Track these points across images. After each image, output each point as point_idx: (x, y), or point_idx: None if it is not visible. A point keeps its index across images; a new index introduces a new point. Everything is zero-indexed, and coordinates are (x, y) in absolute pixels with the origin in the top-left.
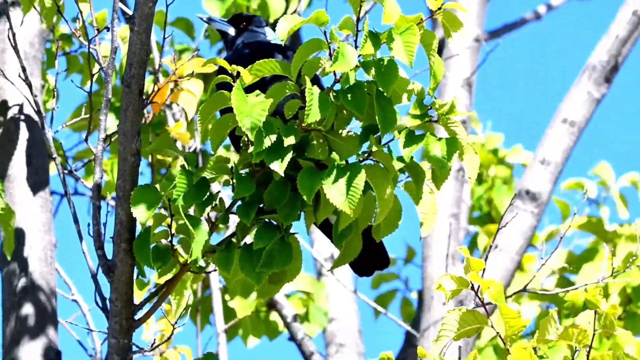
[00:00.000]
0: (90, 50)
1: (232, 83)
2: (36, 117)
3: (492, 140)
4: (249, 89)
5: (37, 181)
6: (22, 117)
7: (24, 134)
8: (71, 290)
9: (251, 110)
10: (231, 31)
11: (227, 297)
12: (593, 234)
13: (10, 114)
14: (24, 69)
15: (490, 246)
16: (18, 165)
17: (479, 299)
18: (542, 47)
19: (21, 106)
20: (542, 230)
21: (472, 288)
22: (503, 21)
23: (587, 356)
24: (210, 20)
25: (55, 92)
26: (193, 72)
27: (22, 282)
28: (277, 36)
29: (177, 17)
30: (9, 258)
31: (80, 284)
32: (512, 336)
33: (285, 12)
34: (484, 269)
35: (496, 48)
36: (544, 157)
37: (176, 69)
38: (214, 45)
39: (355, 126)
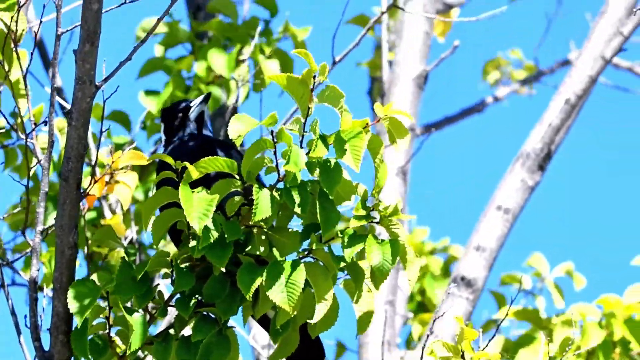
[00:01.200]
0: (28, 143)
1: (175, 179)
2: None
3: (417, 234)
4: (192, 184)
5: None
6: None
7: None
8: None
9: (198, 207)
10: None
11: None
12: (529, 323)
13: None
14: None
15: (428, 334)
16: None
17: None
18: (479, 136)
19: None
20: (478, 320)
21: (463, 357)
22: (443, 111)
23: None
24: (206, 99)
25: None
26: (129, 165)
27: None
28: (231, 137)
29: (113, 110)
30: None
31: None
32: None
33: (223, 105)
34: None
35: (431, 137)
36: (478, 244)
37: (112, 162)
38: (151, 137)
39: (297, 224)
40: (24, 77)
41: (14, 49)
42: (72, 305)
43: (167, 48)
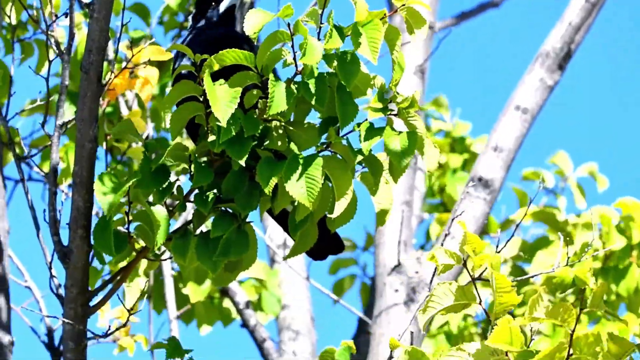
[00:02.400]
0: (49, 36)
1: (194, 72)
2: None
3: (459, 128)
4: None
5: None
6: None
7: None
8: (24, 276)
9: (223, 98)
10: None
11: (180, 284)
12: (545, 224)
13: None
14: None
15: (445, 234)
16: None
17: (469, 274)
18: (497, 34)
19: None
20: (497, 218)
21: (464, 263)
22: (459, 8)
23: (571, 336)
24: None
25: (10, 79)
26: (149, 59)
27: None
28: (247, 31)
29: (133, 2)
30: None
31: (34, 271)
32: (499, 313)
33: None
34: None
35: (449, 35)
36: (496, 144)
37: (132, 57)
38: (168, 33)
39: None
40: None
41: None
42: (101, 199)
43: None
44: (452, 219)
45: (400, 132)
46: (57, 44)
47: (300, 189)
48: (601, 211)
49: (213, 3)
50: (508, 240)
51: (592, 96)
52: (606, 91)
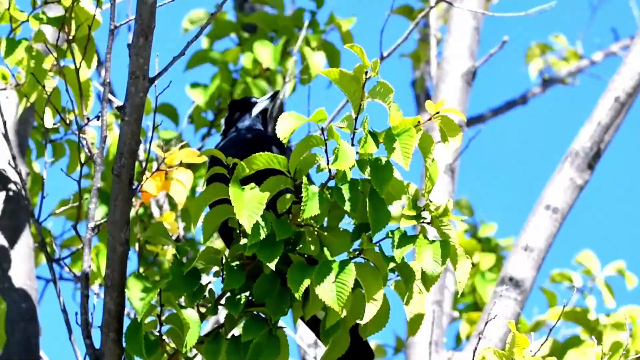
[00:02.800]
0: (80, 138)
1: (227, 175)
2: (23, 205)
3: (485, 229)
4: (243, 180)
5: (24, 269)
6: (10, 204)
7: (9, 221)
8: None
9: (248, 204)
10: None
11: None
12: (577, 324)
13: None
14: (14, 158)
15: (479, 337)
16: (3, 253)
17: None
18: (525, 131)
19: (9, 194)
20: (527, 319)
21: None
22: (489, 104)
23: None
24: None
25: (43, 181)
26: (182, 162)
27: None
28: (279, 135)
29: (161, 103)
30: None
31: None
32: None
33: None
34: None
35: (479, 134)
36: (527, 244)
37: (164, 159)
38: (198, 131)
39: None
40: (77, 72)
41: (68, 44)
42: (134, 302)
43: (213, 40)
44: (486, 322)
45: (433, 241)
46: (89, 145)
47: (330, 293)
48: (632, 311)
49: (241, 108)
50: (543, 343)
51: (619, 194)
52: (634, 189)
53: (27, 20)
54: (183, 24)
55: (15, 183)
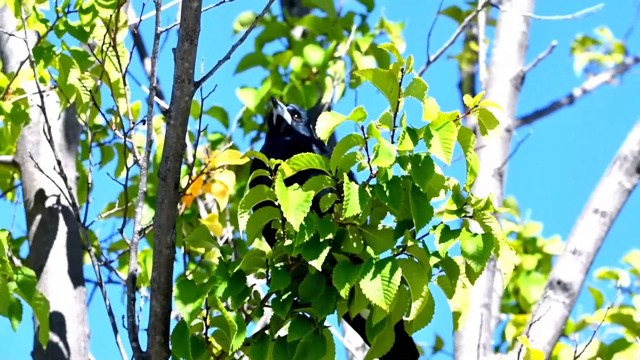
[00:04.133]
0: (127, 142)
1: (270, 177)
2: (70, 208)
3: (530, 229)
4: (285, 181)
5: (71, 272)
6: (57, 208)
7: (58, 225)
8: None
9: (295, 203)
10: (288, 119)
11: None
12: (622, 326)
13: (45, 205)
14: (59, 162)
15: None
16: (53, 256)
17: None
18: (573, 133)
19: (56, 198)
20: (574, 319)
21: None
22: (534, 106)
23: None
24: (274, 103)
25: (89, 185)
26: (225, 164)
27: None
28: (318, 134)
29: (211, 106)
30: (44, 347)
31: None
32: None
33: (319, 102)
34: None
35: (521, 131)
36: (575, 247)
37: (209, 161)
38: (247, 134)
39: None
40: (123, 76)
41: (114, 48)
42: (181, 307)
43: (263, 43)
44: (531, 324)
45: (476, 235)
46: (135, 149)
47: (376, 291)
48: None
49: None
50: (587, 345)
51: None
52: None
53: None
54: (233, 26)
55: (60, 188)
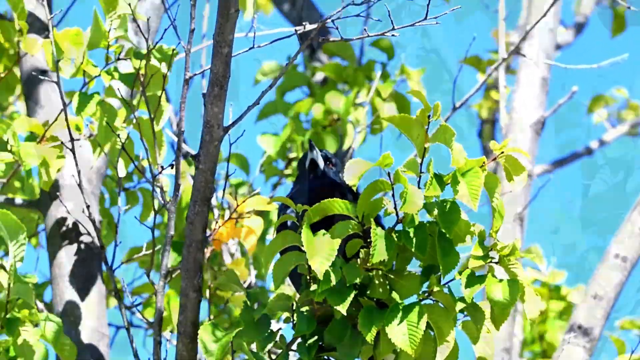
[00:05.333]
0: (155, 186)
1: (296, 222)
2: (95, 252)
3: (554, 276)
4: (312, 225)
5: (95, 315)
6: (82, 252)
7: (82, 269)
8: None
9: (321, 250)
10: (321, 164)
11: None
12: None
13: (69, 249)
14: (87, 206)
15: None
16: (76, 299)
17: None
18: (594, 180)
19: (80, 242)
20: None
21: None
22: (554, 152)
23: None
24: (311, 147)
25: (117, 228)
26: (252, 210)
27: None
28: (347, 181)
29: (232, 152)
30: None
31: None
32: None
33: (340, 148)
34: None
35: (548, 183)
36: (596, 292)
37: (237, 206)
38: (269, 180)
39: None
40: (152, 121)
41: (143, 93)
42: (205, 350)
43: (284, 92)
44: None
45: (501, 280)
46: (162, 193)
47: (402, 336)
48: None
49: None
50: None
51: None
52: None
53: (100, 76)
54: (256, 76)
55: (88, 231)
